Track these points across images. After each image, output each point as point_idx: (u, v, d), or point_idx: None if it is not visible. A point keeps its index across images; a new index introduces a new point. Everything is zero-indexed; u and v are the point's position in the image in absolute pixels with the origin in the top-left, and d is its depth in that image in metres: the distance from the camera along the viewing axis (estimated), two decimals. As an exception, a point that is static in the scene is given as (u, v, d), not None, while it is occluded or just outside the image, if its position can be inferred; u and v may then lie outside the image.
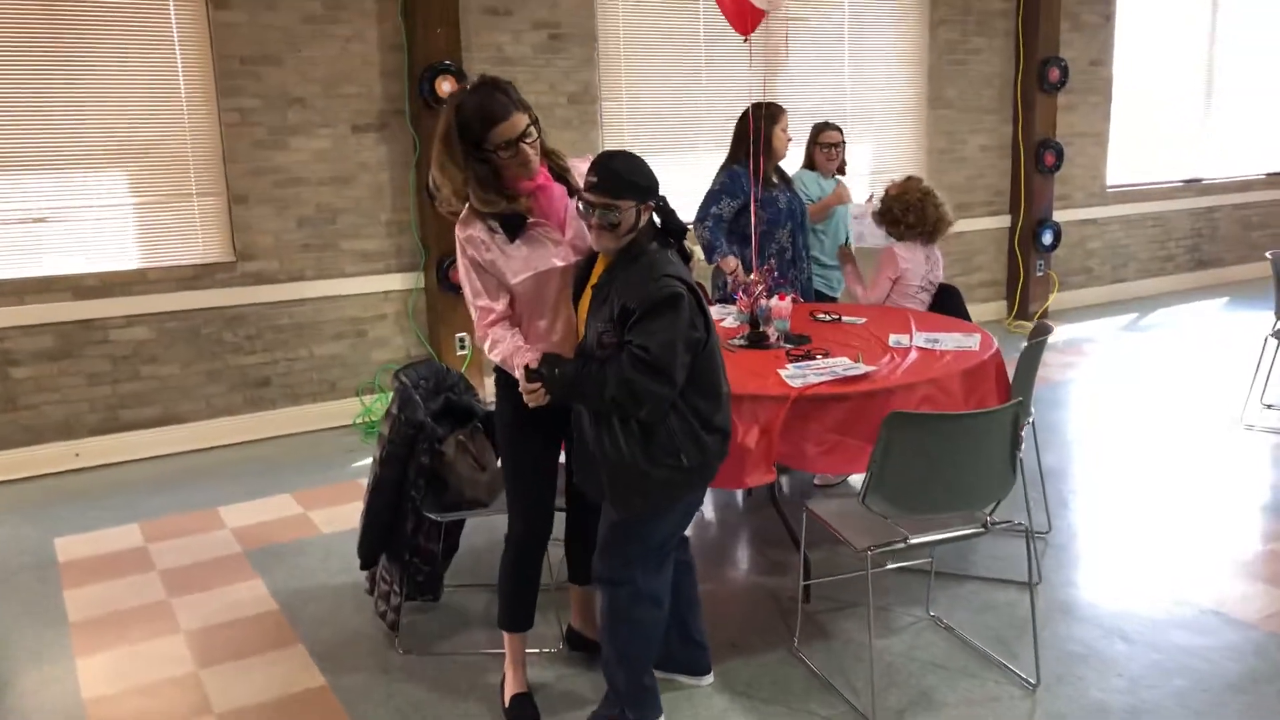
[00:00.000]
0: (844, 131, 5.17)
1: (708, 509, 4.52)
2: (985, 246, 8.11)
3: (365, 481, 4.81)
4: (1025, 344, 3.75)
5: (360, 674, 3.28)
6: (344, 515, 4.54)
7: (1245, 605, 3.50)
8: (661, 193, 2.67)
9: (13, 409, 5.17)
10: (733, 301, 4.30)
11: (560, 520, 3.13)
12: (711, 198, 4.63)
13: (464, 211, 2.76)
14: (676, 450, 2.58)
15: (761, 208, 4.57)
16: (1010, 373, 3.73)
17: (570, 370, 2.60)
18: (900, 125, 7.59)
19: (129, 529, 4.52)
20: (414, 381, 3.37)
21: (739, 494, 4.59)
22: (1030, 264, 8.06)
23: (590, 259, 2.75)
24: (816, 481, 4.61)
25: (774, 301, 3.91)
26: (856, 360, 3.53)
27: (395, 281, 5.95)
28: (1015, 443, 2.89)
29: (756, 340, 3.88)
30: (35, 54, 5.02)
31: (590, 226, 2.61)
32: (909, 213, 4.40)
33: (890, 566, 3.60)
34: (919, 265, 4.52)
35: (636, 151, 2.69)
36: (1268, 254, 5.38)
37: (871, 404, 3.21)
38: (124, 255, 5.34)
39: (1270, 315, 5.58)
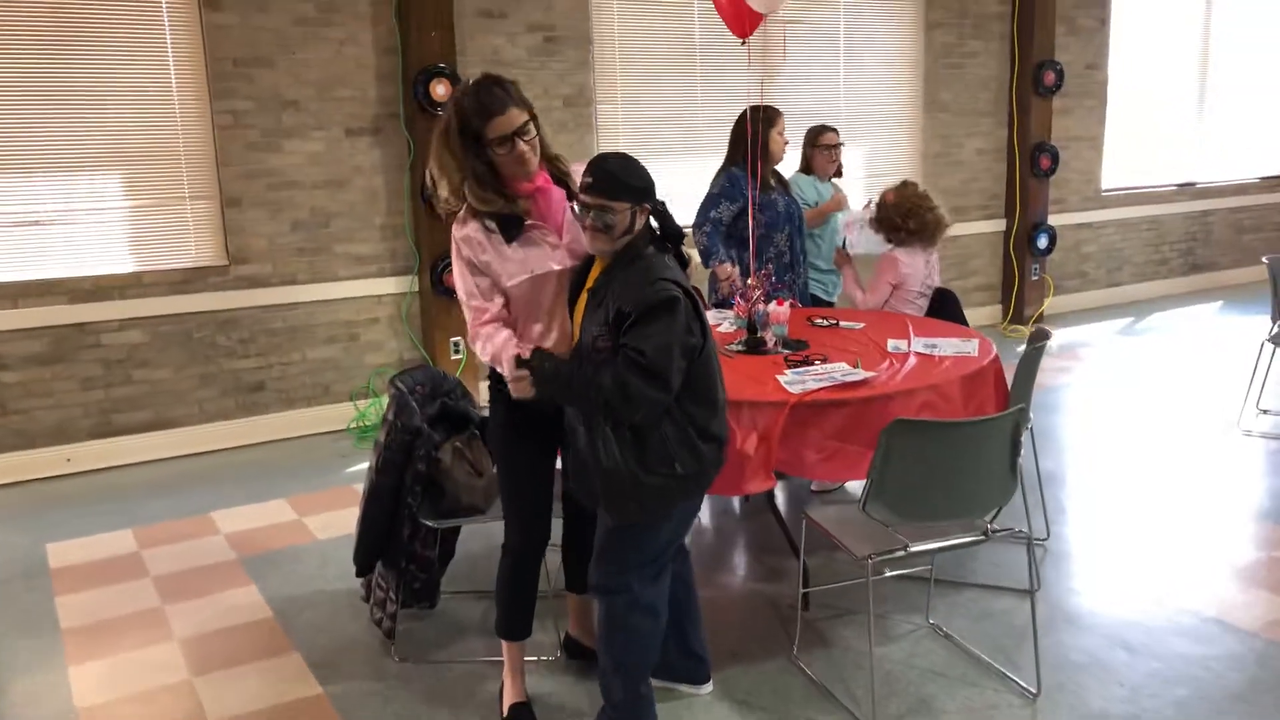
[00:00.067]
0: (839, 134, 5.17)
1: (704, 515, 4.50)
2: (980, 250, 8.10)
3: (360, 487, 4.81)
4: (1023, 349, 3.75)
5: (356, 682, 3.25)
6: (339, 521, 4.51)
7: (1246, 613, 3.48)
8: (660, 197, 2.65)
9: (4, 413, 5.13)
10: (730, 306, 4.28)
11: (557, 527, 3.11)
12: (710, 201, 4.61)
13: (461, 211, 2.74)
14: (671, 458, 2.55)
15: (760, 211, 4.55)
16: (1008, 378, 3.72)
17: (561, 366, 2.56)
18: (896, 129, 7.58)
19: (122, 534, 4.49)
20: (410, 387, 3.34)
21: (735, 500, 4.57)
22: (1025, 268, 8.06)
23: (587, 264, 2.73)
24: (814, 487, 4.60)
25: (772, 307, 3.89)
26: (855, 366, 3.52)
27: (389, 285, 5.93)
28: (1016, 450, 2.88)
29: (754, 345, 3.85)
30: (27, 57, 4.99)
31: (585, 228, 2.59)
32: (909, 218, 4.38)
33: (889, 574, 3.58)
34: (919, 270, 4.51)
35: (632, 154, 2.67)
36: (1264, 258, 5.38)
37: (871, 410, 3.19)
38: (116, 259, 5.31)
39: (1266, 320, 5.58)
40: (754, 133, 4.44)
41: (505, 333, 2.72)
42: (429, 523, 3.29)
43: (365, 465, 5.08)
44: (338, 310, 5.82)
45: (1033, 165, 7.86)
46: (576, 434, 2.69)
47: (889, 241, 4.51)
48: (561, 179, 2.77)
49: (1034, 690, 3.04)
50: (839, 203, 5.06)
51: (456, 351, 5.99)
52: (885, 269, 4.53)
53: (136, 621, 3.69)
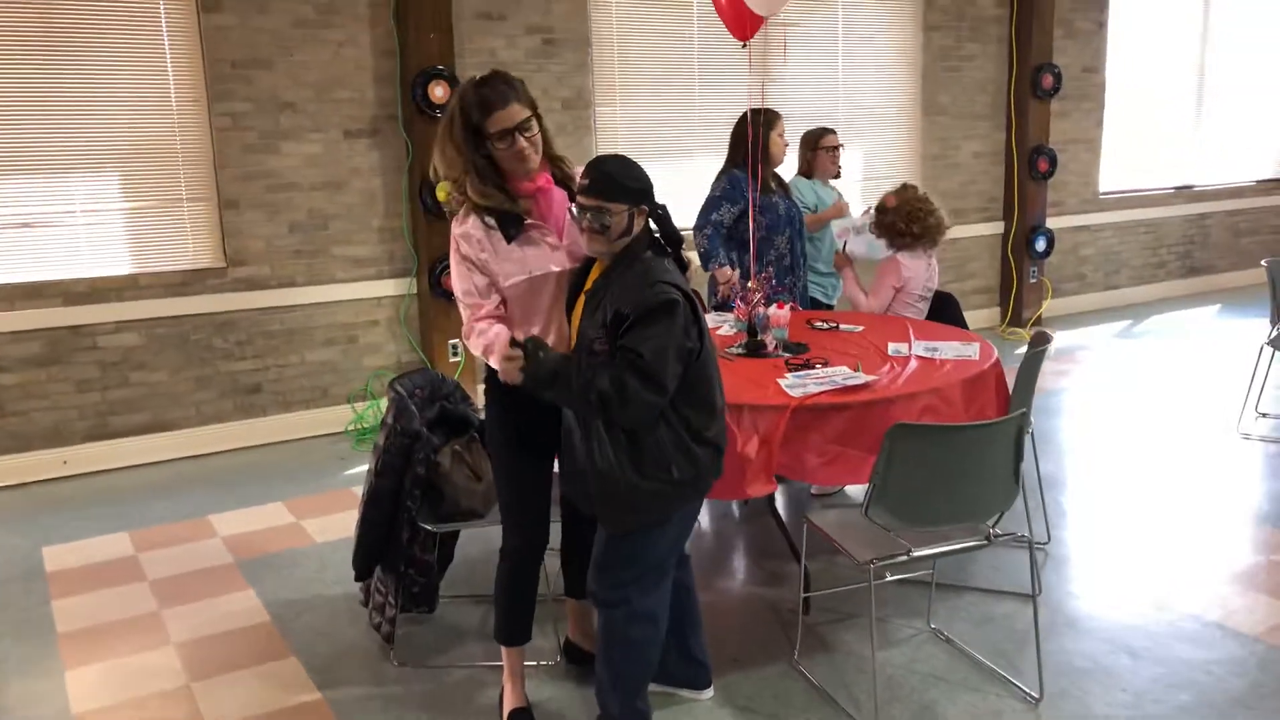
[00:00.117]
0: (838, 135, 5.17)
1: (704, 519, 4.48)
2: (979, 253, 8.10)
3: (358, 490, 4.81)
4: (1024, 353, 3.74)
5: (355, 687, 3.23)
6: (337, 524, 4.49)
7: (1247, 617, 3.48)
8: (660, 201, 2.64)
9: (0, 415, 5.11)
10: (730, 309, 4.27)
11: (556, 531, 3.10)
12: (711, 204, 4.60)
13: (461, 208, 2.73)
14: (667, 463, 2.53)
15: (761, 213, 4.55)
16: (1009, 381, 3.71)
17: (557, 361, 2.51)
18: (894, 131, 7.58)
19: (118, 538, 4.47)
20: (409, 390, 3.33)
21: (735, 504, 4.55)
22: (1023, 270, 8.06)
23: (585, 267, 2.71)
24: (814, 491, 4.59)
25: (772, 310, 3.88)
26: (856, 369, 3.51)
27: (387, 287, 5.91)
28: (1018, 454, 2.87)
29: (754, 349, 3.84)
30: (24, 57, 4.96)
31: (582, 230, 2.58)
32: (912, 222, 4.37)
33: (890, 578, 3.57)
34: (920, 273, 4.50)
35: (631, 156, 2.66)
36: (1263, 262, 5.37)
37: (872, 414, 3.18)
38: (113, 261, 5.29)
39: (1264, 323, 5.58)
40: (754, 135, 4.43)
41: (500, 327, 2.70)
42: (428, 527, 3.27)
43: (363, 468, 5.08)
44: (336, 312, 5.80)
45: (1031, 168, 7.86)
46: (573, 436, 2.67)
47: (892, 246, 4.49)
48: (564, 181, 2.76)
49: (1036, 695, 3.03)
50: (840, 210, 5.05)
51: (455, 354, 5.97)
52: (887, 272, 4.51)
53: (133, 625, 3.67)
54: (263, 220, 5.54)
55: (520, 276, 2.70)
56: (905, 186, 4.56)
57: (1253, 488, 4.71)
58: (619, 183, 2.53)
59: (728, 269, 4.59)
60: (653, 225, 2.64)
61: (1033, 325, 8.02)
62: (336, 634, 3.56)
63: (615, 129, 6.46)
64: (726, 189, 4.57)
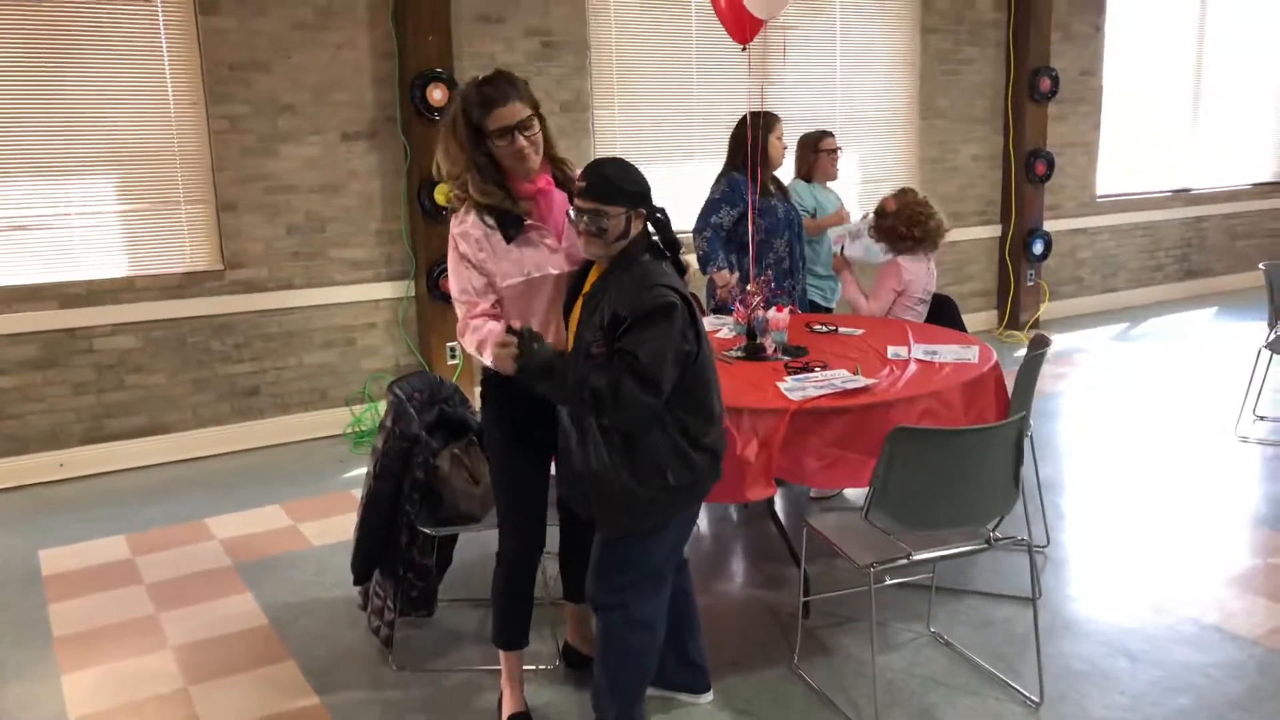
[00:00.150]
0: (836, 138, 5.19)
1: (702, 522, 4.47)
2: (976, 256, 8.11)
3: (356, 492, 4.80)
4: (1024, 356, 3.74)
5: (353, 691, 3.22)
6: (335, 527, 4.48)
7: (1245, 620, 3.48)
8: (661, 205, 2.63)
9: (-4, 419, 5.11)
10: (729, 312, 4.27)
11: (554, 534, 3.09)
12: (711, 207, 4.60)
13: (461, 207, 2.73)
14: (662, 468, 2.52)
15: (760, 216, 4.54)
16: (1008, 385, 3.71)
17: (550, 351, 2.48)
18: (892, 134, 7.58)
19: (115, 541, 4.45)
20: (408, 394, 3.32)
21: (733, 507, 4.55)
22: (1021, 273, 8.06)
23: (583, 271, 2.71)
24: (813, 494, 4.58)
25: (771, 313, 3.88)
26: (855, 373, 3.50)
27: (385, 290, 5.90)
28: (1018, 458, 2.87)
29: (753, 352, 3.84)
30: (21, 59, 4.95)
31: (579, 233, 2.57)
32: (914, 226, 4.37)
33: (890, 582, 3.56)
34: (921, 276, 4.50)
35: (629, 159, 2.65)
36: (1261, 265, 5.38)
37: (872, 417, 3.18)
38: (110, 263, 5.28)
39: (1261, 325, 5.58)
40: (753, 138, 4.43)
41: (495, 324, 2.68)
42: (427, 530, 3.27)
43: (361, 471, 5.08)
44: (334, 315, 5.79)
45: (1028, 171, 7.87)
46: (569, 438, 2.66)
47: (893, 250, 4.48)
48: (566, 183, 2.76)
49: (1036, 699, 3.02)
50: (841, 218, 5.05)
51: (453, 357, 5.96)
52: (889, 276, 4.50)
53: (130, 629, 3.66)
54: (261, 223, 5.53)
55: (518, 277, 2.70)
56: (904, 191, 4.55)
57: (1251, 490, 4.71)
58: (616, 185, 2.53)
59: (726, 272, 4.58)
60: (651, 230, 2.64)
61: (1030, 328, 8.03)
62: (335, 637, 3.55)
63: (614, 132, 6.46)
64: (726, 191, 4.57)
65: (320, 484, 5.08)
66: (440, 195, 5.64)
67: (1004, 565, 3.85)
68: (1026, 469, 3.05)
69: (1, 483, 5.11)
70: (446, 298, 5.46)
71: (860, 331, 4.19)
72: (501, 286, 2.70)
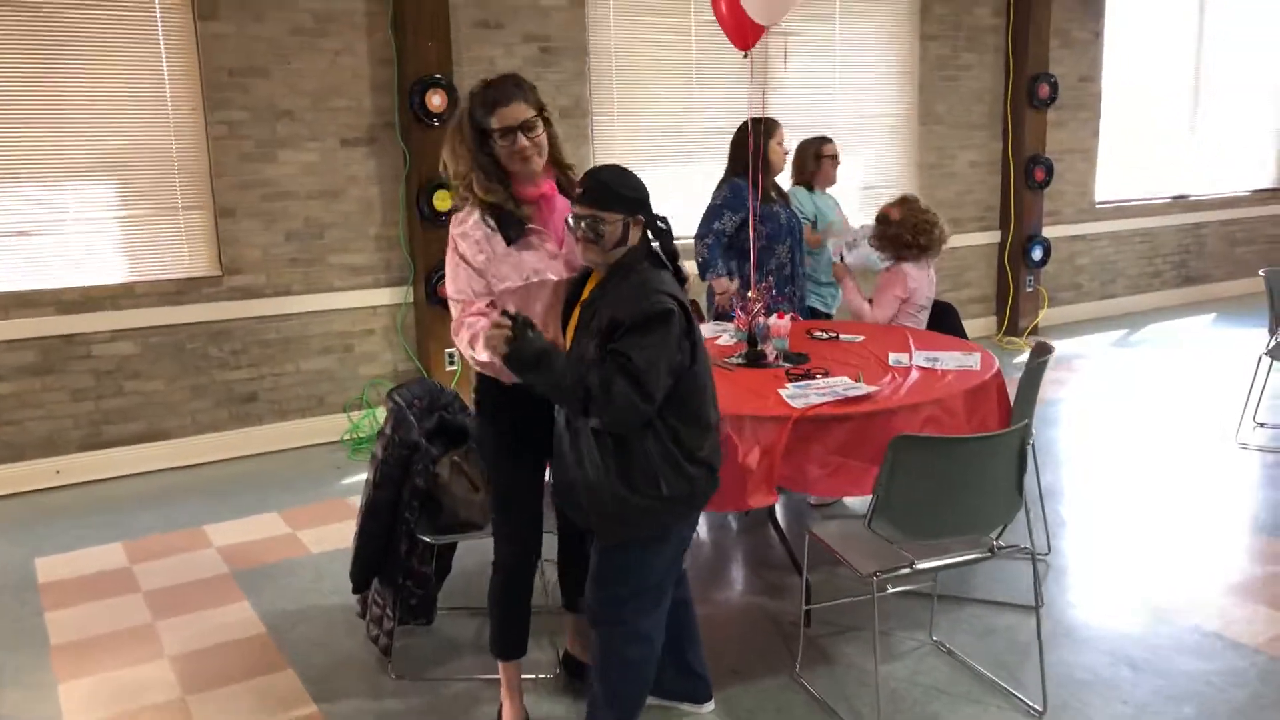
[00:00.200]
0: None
1: (702, 529, 4.45)
2: (975, 262, 8.11)
3: (354, 499, 4.78)
4: (1023, 362, 3.73)
5: (352, 700, 3.20)
6: (333, 534, 4.46)
7: (1247, 628, 3.46)
8: (663, 214, 2.62)
9: (-7, 425, 5.08)
10: (730, 319, 4.26)
11: (551, 542, 3.08)
12: (713, 213, 4.59)
13: (465, 206, 2.72)
14: (656, 478, 2.50)
15: (762, 222, 4.54)
16: (1010, 392, 3.70)
17: (544, 341, 2.44)
18: (891, 140, 7.58)
19: (112, 548, 4.43)
20: (407, 401, 3.30)
21: (732, 515, 4.53)
22: (1020, 279, 8.06)
23: (582, 280, 2.69)
24: (812, 501, 4.56)
25: (773, 320, 3.87)
26: (857, 380, 3.49)
27: (384, 296, 5.88)
28: (1021, 466, 2.86)
29: (754, 359, 3.82)
30: (19, 64, 4.94)
31: (577, 239, 2.56)
32: (919, 235, 4.36)
33: (892, 590, 3.55)
34: (924, 284, 4.49)
35: (629, 165, 2.64)
36: (1261, 271, 5.38)
37: (874, 425, 3.16)
38: (108, 269, 5.26)
39: (1261, 332, 5.58)
40: (755, 144, 4.42)
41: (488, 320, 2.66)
42: (426, 538, 3.25)
43: (359, 477, 5.06)
44: (332, 321, 5.77)
45: (1027, 177, 7.87)
46: (563, 443, 2.64)
47: (897, 258, 4.47)
48: (569, 190, 2.74)
49: (1039, 708, 3.01)
50: (844, 231, 5.06)
51: (451, 363, 5.95)
52: (893, 283, 4.48)
53: (127, 638, 3.64)
54: (259, 229, 5.51)
55: (516, 281, 2.68)
56: (907, 198, 4.54)
57: (1251, 497, 4.70)
58: (614, 191, 2.52)
59: (724, 280, 4.58)
60: (651, 238, 2.62)
61: (1029, 334, 8.03)
62: (333, 646, 3.53)
63: (612, 138, 6.45)
64: (728, 197, 4.56)
65: (318, 491, 5.06)
66: (443, 201, 5.64)
67: (1005, 573, 3.83)
68: (1027, 477, 3.04)
69: (-2, 489, 5.10)
70: (445, 303, 5.43)
71: (861, 338, 4.18)
72: (500, 290, 2.69)
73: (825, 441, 3.14)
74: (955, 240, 7.58)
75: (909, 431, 3.04)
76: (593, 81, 6.33)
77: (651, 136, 6.58)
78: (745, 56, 4.13)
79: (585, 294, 2.64)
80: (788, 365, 3.77)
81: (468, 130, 2.66)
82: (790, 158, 5.00)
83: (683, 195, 5.89)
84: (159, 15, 5.19)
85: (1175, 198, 9.09)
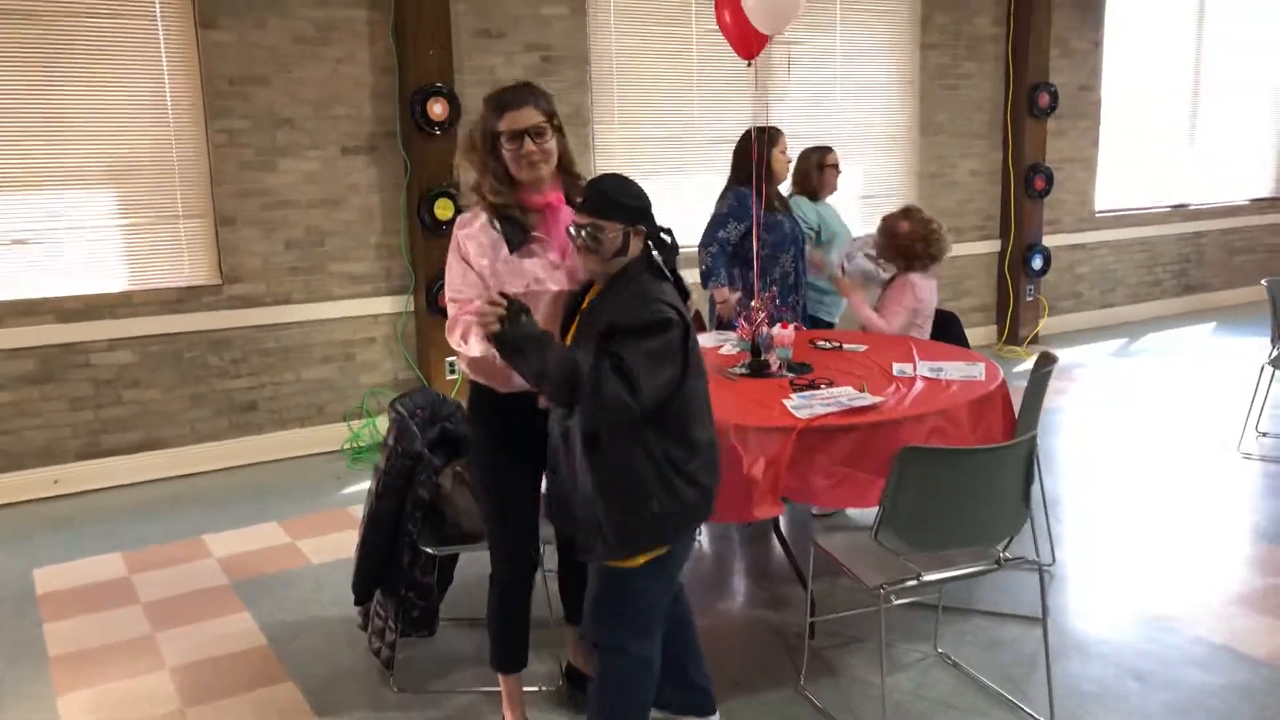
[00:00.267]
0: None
1: (704, 540, 4.43)
2: (975, 271, 8.10)
3: (354, 509, 4.76)
4: (1030, 373, 3.72)
5: (353, 713, 3.18)
6: (333, 545, 4.43)
7: (1254, 641, 3.44)
8: (668, 226, 2.60)
9: (-9, 434, 5.06)
10: (733, 328, 4.24)
11: (552, 553, 3.06)
12: (718, 222, 4.58)
13: (471, 210, 2.73)
14: (646, 496, 2.44)
15: (767, 231, 4.53)
16: (1013, 402, 3.69)
17: (536, 328, 2.38)
18: (891, 149, 7.58)
19: (111, 558, 4.40)
20: (410, 411, 3.29)
21: (734, 525, 4.50)
22: (1020, 288, 8.05)
23: (582, 292, 2.68)
24: (815, 511, 4.54)
25: (776, 329, 3.85)
26: (861, 390, 3.47)
27: (384, 305, 5.87)
28: (1029, 477, 2.84)
29: (758, 369, 3.81)
30: (19, 72, 4.93)
31: (577, 248, 2.55)
32: (929, 245, 4.36)
33: (896, 602, 3.52)
34: (931, 294, 4.48)
35: (630, 174, 2.63)
36: (1264, 281, 5.37)
37: (879, 435, 3.15)
38: (108, 277, 5.24)
39: (1259, 341, 5.57)
40: (758, 153, 4.42)
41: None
42: (429, 549, 3.23)
43: (359, 487, 5.04)
44: (332, 330, 5.75)
45: (1027, 186, 7.87)
46: (558, 455, 2.61)
47: (905, 269, 4.46)
48: (574, 200, 2.73)
49: (1047, 722, 2.99)
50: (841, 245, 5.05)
51: (452, 372, 5.93)
52: (902, 294, 4.46)
53: (126, 649, 3.61)
54: (259, 237, 5.50)
55: (517, 288, 2.67)
56: (910, 210, 4.54)
57: (1256, 508, 4.69)
58: (614, 200, 2.50)
59: (725, 289, 4.57)
60: (652, 249, 2.59)
61: (1029, 343, 8.02)
62: (334, 657, 3.51)
63: (613, 147, 6.44)
64: (733, 206, 4.55)
65: (318, 500, 5.04)
66: (441, 210, 5.63)
67: (1009, 584, 3.81)
68: (1033, 488, 3.02)
69: (-4, 499, 5.07)
70: (445, 312, 5.44)
71: (864, 348, 4.16)
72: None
73: (830, 452, 3.12)
74: (955, 249, 7.51)
75: (914, 442, 3.02)
76: (593, 90, 6.32)
77: (652, 145, 6.57)
78: (749, 65, 4.13)
79: (585, 304, 2.62)
80: (791, 375, 3.76)
81: (480, 133, 2.68)
82: (791, 167, 5.00)
83: (683, 204, 5.89)
84: (160, 23, 5.18)
85: (1175, 207, 9.09)
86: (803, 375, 3.75)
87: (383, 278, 5.85)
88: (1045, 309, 8.25)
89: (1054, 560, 4.06)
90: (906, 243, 4.39)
